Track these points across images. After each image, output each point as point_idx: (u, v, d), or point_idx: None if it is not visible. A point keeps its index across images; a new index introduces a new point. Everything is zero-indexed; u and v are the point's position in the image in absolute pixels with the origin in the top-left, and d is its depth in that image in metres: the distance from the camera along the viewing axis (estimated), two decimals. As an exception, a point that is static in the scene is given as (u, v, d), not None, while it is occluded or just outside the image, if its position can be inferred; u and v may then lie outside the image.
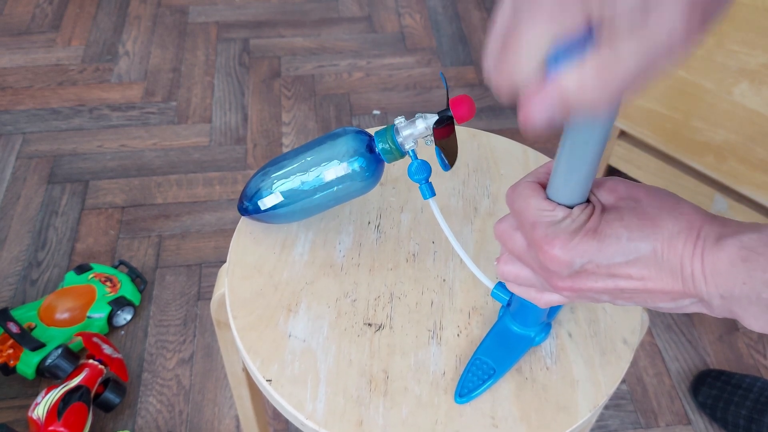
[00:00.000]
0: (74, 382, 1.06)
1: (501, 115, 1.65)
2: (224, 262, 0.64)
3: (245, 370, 0.75)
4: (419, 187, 0.56)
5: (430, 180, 0.56)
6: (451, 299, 0.61)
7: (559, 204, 0.40)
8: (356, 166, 0.56)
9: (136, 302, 1.24)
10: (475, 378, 0.54)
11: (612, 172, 1.42)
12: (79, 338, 1.15)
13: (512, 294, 0.53)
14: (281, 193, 0.59)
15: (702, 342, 1.24)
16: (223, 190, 1.47)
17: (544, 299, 0.44)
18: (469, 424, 0.53)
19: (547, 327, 0.56)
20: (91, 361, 1.10)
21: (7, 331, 1.11)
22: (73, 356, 1.09)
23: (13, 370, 1.13)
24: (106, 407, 1.10)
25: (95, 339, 1.15)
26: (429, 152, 0.70)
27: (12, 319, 1.13)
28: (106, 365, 1.10)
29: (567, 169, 0.39)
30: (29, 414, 1.04)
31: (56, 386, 1.05)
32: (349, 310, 0.59)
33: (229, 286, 0.61)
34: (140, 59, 1.77)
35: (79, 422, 1.03)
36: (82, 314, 1.20)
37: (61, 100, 1.65)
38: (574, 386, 0.55)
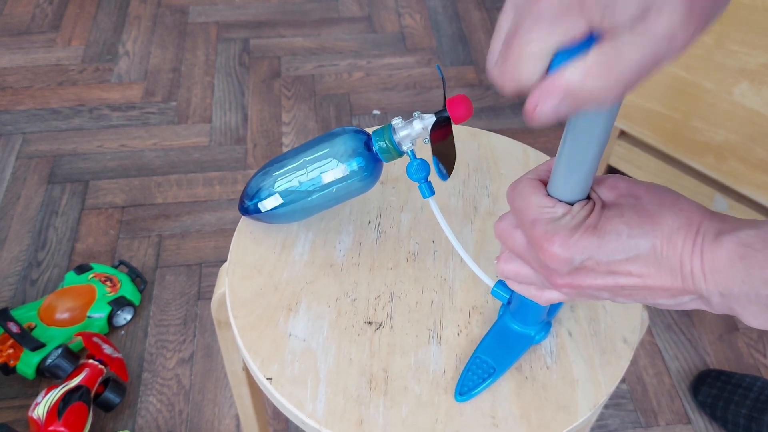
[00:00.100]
0: (74, 382, 1.06)
1: (501, 115, 1.66)
2: (224, 261, 0.64)
3: (245, 370, 0.75)
4: (419, 186, 0.56)
5: (429, 179, 0.56)
6: (451, 298, 0.61)
7: (559, 201, 0.40)
8: (355, 165, 0.56)
9: (136, 302, 1.24)
10: (475, 377, 0.54)
11: (612, 171, 1.42)
12: (79, 338, 1.15)
13: (512, 292, 0.54)
14: (281, 194, 0.59)
15: (702, 341, 1.24)
16: (223, 190, 1.47)
17: (544, 297, 0.44)
18: (469, 423, 0.53)
19: (547, 326, 0.56)
20: (91, 361, 1.10)
21: (7, 331, 1.11)
22: (73, 356, 1.09)
23: (13, 370, 1.13)
24: (106, 407, 1.10)
25: (95, 339, 1.15)
26: (428, 151, 0.70)
27: (12, 319, 1.13)
28: (106, 365, 1.10)
29: (568, 165, 0.39)
30: (29, 414, 1.04)
31: (56, 386, 1.05)
32: (349, 309, 0.59)
33: (230, 286, 0.61)
34: (140, 59, 1.78)
35: (79, 422, 1.03)
36: (82, 314, 1.20)
37: (61, 100, 1.66)
38: (574, 385, 0.55)
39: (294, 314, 0.59)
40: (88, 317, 1.20)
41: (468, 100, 0.54)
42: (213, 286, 1.30)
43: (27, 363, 1.11)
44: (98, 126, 1.60)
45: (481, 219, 0.67)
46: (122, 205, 1.43)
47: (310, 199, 0.58)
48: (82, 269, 1.26)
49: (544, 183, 0.42)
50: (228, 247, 0.64)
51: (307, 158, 0.58)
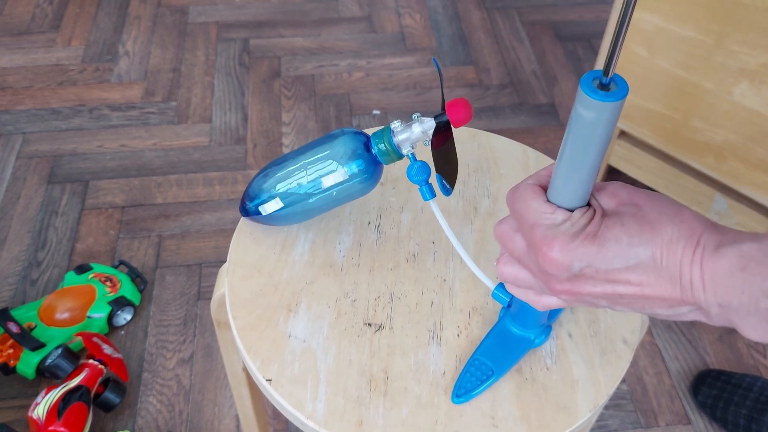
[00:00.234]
0: (74, 382, 1.06)
1: (501, 115, 1.66)
2: (224, 262, 0.64)
3: (245, 370, 0.75)
4: (419, 189, 0.56)
5: (429, 181, 0.56)
6: (451, 299, 0.61)
7: (559, 207, 0.40)
8: (355, 167, 0.56)
9: (136, 302, 1.24)
10: (473, 378, 0.54)
11: (612, 171, 1.42)
12: (79, 338, 1.15)
13: (513, 295, 0.53)
14: (281, 196, 0.59)
15: (702, 342, 1.24)
16: (223, 190, 1.47)
17: (542, 302, 0.44)
18: (469, 424, 0.53)
19: (547, 329, 0.56)
20: (91, 361, 1.10)
21: (7, 331, 1.11)
22: (73, 356, 1.09)
23: (13, 370, 1.13)
24: (106, 407, 1.10)
25: (95, 339, 1.15)
26: (428, 153, 0.70)
27: (12, 319, 1.13)
28: (106, 365, 1.10)
29: (568, 171, 0.39)
30: (29, 414, 1.04)
31: (56, 386, 1.05)
32: (349, 310, 0.59)
33: (229, 286, 0.61)
34: (140, 59, 1.77)
35: (79, 422, 1.03)
36: (82, 314, 1.20)
37: (61, 100, 1.65)
38: (574, 386, 0.55)
39: (294, 315, 0.59)
40: (88, 317, 1.20)
41: (467, 104, 0.54)
42: (213, 286, 1.30)
43: (27, 363, 1.11)
44: (98, 126, 1.60)
45: (482, 219, 0.67)
46: (122, 205, 1.43)
47: (310, 201, 0.58)
48: (82, 269, 1.26)
49: (544, 188, 0.41)
50: (228, 248, 0.64)
51: (307, 161, 0.57)
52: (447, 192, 0.55)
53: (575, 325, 0.59)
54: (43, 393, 1.05)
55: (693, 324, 1.27)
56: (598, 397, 0.55)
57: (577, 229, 0.38)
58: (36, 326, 1.16)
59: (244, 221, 0.65)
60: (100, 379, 1.08)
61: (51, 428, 1.00)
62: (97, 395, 1.09)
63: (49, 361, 1.08)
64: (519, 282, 0.44)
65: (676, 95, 1.17)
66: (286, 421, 1.13)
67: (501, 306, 0.59)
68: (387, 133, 0.55)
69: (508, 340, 0.56)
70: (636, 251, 0.37)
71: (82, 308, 1.20)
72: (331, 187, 0.57)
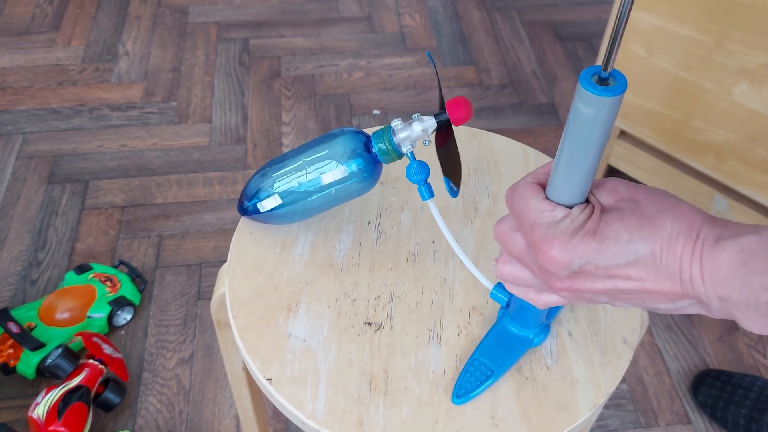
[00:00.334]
0: (74, 382, 1.06)
1: (501, 115, 1.66)
2: (224, 262, 0.64)
3: (245, 370, 0.75)
4: (418, 189, 0.56)
5: (428, 181, 0.56)
6: (451, 299, 0.61)
7: (558, 204, 0.40)
8: (354, 166, 0.56)
9: (136, 302, 1.24)
10: (472, 379, 0.54)
11: (612, 171, 1.42)
12: (79, 338, 1.15)
13: (511, 295, 0.53)
14: (280, 194, 0.59)
15: (702, 342, 1.24)
16: (223, 190, 1.47)
17: (542, 300, 0.44)
18: (469, 423, 0.53)
19: (546, 328, 0.56)
20: (91, 361, 1.10)
21: (7, 331, 1.11)
22: (73, 356, 1.09)
23: (13, 370, 1.13)
24: (106, 407, 1.10)
25: (95, 339, 1.15)
26: (427, 153, 0.70)
27: (12, 319, 1.13)
28: (106, 365, 1.10)
29: (566, 169, 0.39)
30: (29, 414, 1.04)
31: (56, 386, 1.05)
32: (349, 309, 0.59)
33: (230, 286, 0.61)
34: (140, 59, 1.78)
35: (79, 422, 1.03)
36: (82, 314, 1.20)
37: (61, 100, 1.66)
38: (574, 386, 0.55)
39: (294, 314, 0.59)
40: (88, 317, 1.20)
41: (467, 102, 0.54)
42: (213, 286, 1.30)
43: (27, 363, 1.11)
44: (98, 126, 1.60)
45: (481, 219, 0.67)
46: (122, 205, 1.43)
47: (309, 200, 0.58)
48: (82, 269, 1.26)
49: (543, 186, 0.41)
50: (228, 247, 0.64)
51: (306, 159, 0.57)
52: (454, 194, 0.55)
53: (575, 325, 0.59)
54: (43, 393, 1.05)
55: (693, 324, 1.27)
56: (598, 396, 0.55)
57: (577, 226, 0.38)
58: (36, 326, 1.16)
59: (244, 221, 0.66)
60: (100, 379, 1.08)
61: (51, 428, 1.00)
62: (97, 395, 1.09)
63: (49, 361, 1.08)
64: (519, 281, 0.44)
65: (676, 95, 1.17)
66: (286, 421, 1.13)
67: (500, 305, 0.59)
68: (387, 132, 0.55)
69: (507, 340, 0.56)
70: (636, 247, 0.37)
71: (82, 308, 1.20)
72: (331, 185, 0.57)
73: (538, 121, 1.64)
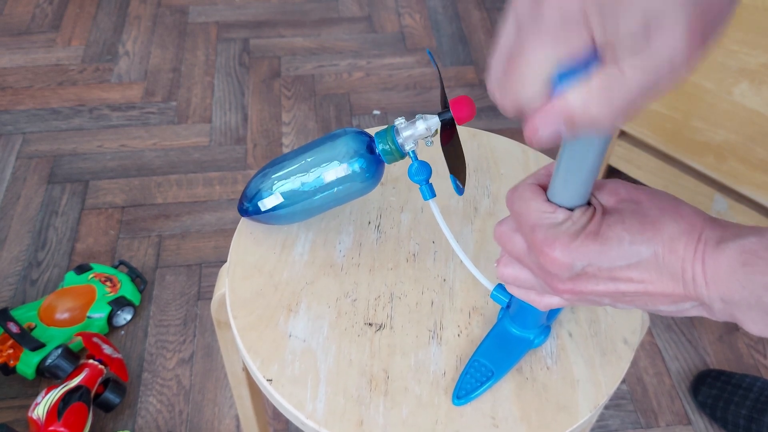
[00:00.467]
0: (74, 382, 1.06)
1: (501, 115, 1.66)
2: (224, 262, 0.64)
3: (245, 370, 0.75)
4: (419, 189, 0.56)
5: (430, 181, 0.56)
6: (451, 299, 0.61)
7: (559, 206, 0.40)
8: (356, 167, 0.56)
9: (136, 302, 1.24)
10: (473, 380, 0.54)
11: (612, 171, 1.42)
12: (79, 338, 1.15)
13: (512, 296, 0.53)
14: (281, 194, 0.59)
15: (702, 342, 1.24)
16: (223, 190, 1.47)
17: (543, 302, 0.44)
18: (469, 424, 0.53)
19: (546, 329, 0.56)
20: (91, 361, 1.10)
21: (7, 331, 1.11)
22: (73, 356, 1.09)
23: (13, 370, 1.13)
24: (106, 407, 1.10)
25: (95, 339, 1.15)
26: (429, 153, 0.70)
27: (12, 319, 1.13)
28: (106, 365, 1.10)
29: (568, 171, 0.39)
30: (29, 414, 1.04)
31: (56, 386, 1.05)
32: (350, 310, 0.59)
33: (230, 286, 0.61)
34: (140, 59, 1.77)
35: (79, 422, 1.03)
36: (82, 314, 1.20)
37: (61, 100, 1.65)
38: (574, 386, 0.55)
39: (294, 314, 0.59)
40: (88, 317, 1.20)
41: (471, 101, 0.54)
42: (213, 286, 1.30)
43: (27, 363, 1.11)
44: (98, 126, 1.60)
45: (482, 219, 0.67)
46: (122, 205, 1.43)
47: (310, 200, 0.58)
48: (82, 269, 1.26)
49: (544, 188, 0.41)
50: (228, 247, 0.64)
51: (308, 159, 0.57)
52: (460, 192, 0.55)
53: (576, 325, 0.59)
54: (43, 393, 1.05)
55: (693, 324, 1.27)
56: (598, 397, 0.55)
57: (578, 228, 0.38)
58: (36, 326, 1.16)
59: (244, 221, 0.65)
60: (100, 379, 1.08)
61: (51, 428, 1.00)
62: (97, 395, 1.09)
63: (49, 361, 1.08)
64: (520, 283, 0.44)
65: (676, 95, 1.17)
66: (286, 421, 1.13)
67: (500, 306, 0.59)
68: (390, 131, 0.56)
69: (508, 341, 0.56)
70: (638, 249, 0.37)
71: (82, 308, 1.20)
72: (332, 185, 0.57)
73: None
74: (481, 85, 1.73)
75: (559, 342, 0.58)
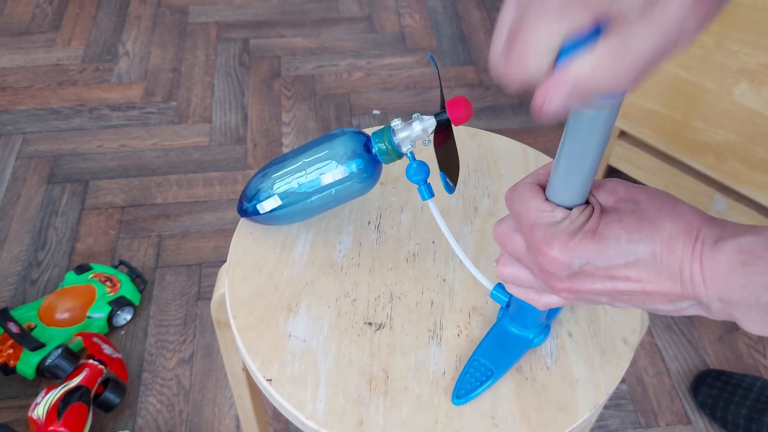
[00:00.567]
0: (74, 382, 1.06)
1: (501, 115, 1.66)
2: (224, 262, 0.64)
3: (245, 370, 0.75)
4: (418, 189, 0.56)
5: (428, 181, 0.56)
6: (451, 299, 0.61)
7: (558, 205, 0.40)
8: (354, 167, 0.56)
9: (136, 302, 1.24)
10: (472, 379, 0.54)
11: (612, 171, 1.42)
12: (79, 338, 1.15)
13: (511, 295, 0.53)
14: (280, 195, 0.59)
15: (702, 342, 1.24)
16: (223, 190, 1.47)
17: (542, 301, 0.44)
18: (469, 423, 0.53)
19: (545, 329, 0.56)
20: (91, 361, 1.10)
21: (7, 331, 1.11)
22: (73, 356, 1.09)
23: (13, 370, 1.13)
24: (106, 407, 1.10)
25: (95, 339, 1.15)
26: (427, 153, 0.70)
27: (12, 319, 1.13)
28: (106, 365, 1.10)
29: (566, 170, 0.39)
30: (29, 414, 1.04)
31: (56, 386, 1.05)
32: (349, 310, 0.59)
33: (229, 286, 0.61)
34: (140, 59, 1.77)
35: (79, 422, 1.03)
36: (82, 314, 1.20)
37: (61, 100, 1.65)
38: (574, 386, 0.55)
39: (294, 314, 0.59)
40: (88, 317, 1.20)
41: (468, 102, 0.54)
42: (213, 286, 1.30)
43: (27, 363, 1.11)
44: (98, 126, 1.60)
45: (481, 219, 0.67)
46: (122, 205, 1.43)
47: (309, 200, 0.58)
48: (82, 269, 1.26)
49: (543, 187, 0.42)
50: (228, 247, 0.64)
51: (306, 160, 0.57)
52: (450, 190, 0.55)
53: (575, 325, 0.59)
54: (43, 393, 1.05)
55: (693, 324, 1.27)
56: (598, 396, 0.55)
57: (576, 227, 0.38)
58: (36, 326, 1.16)
59: (244, 221, 0.66)
60: (100, 379, 1.08)
61: (51, 428, 1.00)
62: (97, 395, 1.09)
63: (49, 361, 1.08)
64: (519, 282, 0.44)
65: (676, 95, 1.17)
66: (286, 421, 1.13)
67: (500, 306, 0.59)
68: (387, 132, 0.55)
69: (507, 341, 0.56)
70: (635, 248, 0.37)
71: (82, 308, 1.20)
72: (330, 186, 0.57)
73: (538, 121, 1.64)
74: (481, 85, 1.73)
75: (558, 341, 0.58)
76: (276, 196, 0.59)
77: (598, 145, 0.38)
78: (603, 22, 0.29)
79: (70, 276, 1.25)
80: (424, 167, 0.55)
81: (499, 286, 0.54)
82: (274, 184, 0.59)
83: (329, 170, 0.57)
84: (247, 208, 0.61)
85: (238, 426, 1.12)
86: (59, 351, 1.09)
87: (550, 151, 1.51)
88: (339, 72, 1.75)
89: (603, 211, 0.39)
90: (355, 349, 0.57)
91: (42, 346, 1.12)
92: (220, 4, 1.96)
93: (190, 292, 1.29)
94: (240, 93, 1.69)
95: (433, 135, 0.56)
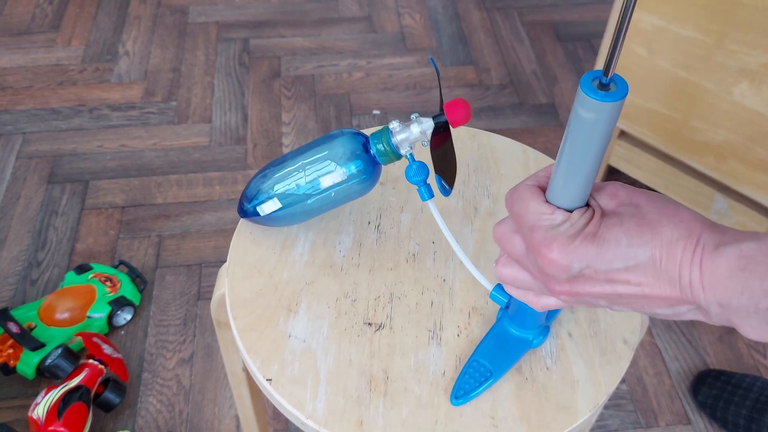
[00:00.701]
0: (74, 382, 1.06)
1: (501, 115, 1.66)
2: (224, 262, 0.64)
3: (245, 370, 0.75)
4: (417, 189, 0.56)
5: (428, 181, 0.56)
6: (451, 299, 0.61)
7: (558, 207, 0.40)
8: (353, 168, 0.56)
9: (136, 302, 1.24)
10: (471, 380, 0.54)
11: (612, 171, 1.42)
12: (79, 338, 1.15)
13: (511, 296, 0.53)
14: (280, 197, 0.59)
15: (702, 342, 1.24)
16: (223, 190, 1.47)
17: (541, 303, 0.44)
18: (469, 424, 0.53)
19: (545, 330, 0.56)
20: (91, 361, 1.10)
21: (7, 331, 1.11)
22: (73, 356, 1.09)
23: (13, 370, 1.13)
24: (106, 407, 1.10)
25: (95, 339, 1.15)
26: (427, 154, 0.70)
27: (12, 319, 1.13)
28: (106, 365, 1.10)
29: (567, 172, 0.39)
30: (29, 414, 1.04)
31: (56, 386, 1.05)
32: (349, 310, 0.59)
33: (229, 286, 0.61)
34: (140, 59, 1.78)
35: (79, 422, 1.03)
36: (82, 314, 1.20)
37: (61, 100, 1.66)
38: (574, 386, 0.55)
39: (294, 315, 0.59)
40: (88, 317, 1.20)
41: (466, 104, 0.54)
42: (213, 286, 1.30)
43: (27, 363, 1.11)
44: (98, 126, 1.60)
45: (482, 219, 0.67)
46: (122, 205, 1.43)
47: (308, 202, 0.58)
48: (82, 269, 1.26)
49: (543, 189, 0.41)
50: (228, 248, 0.64)
51: (305, 161, 0.57)
52: (446, 192, 0.55)
53: (575, 325, 0.59)
54: (43, 393, 1.05)
55: (693, 324, 1.27)
56: (598, 396, 0.55)
57: (577, 230, 0.38)
58: (36, 326, 1.16)
59: (244, 221, 0.66)
60: (100, 379, 1.08)
61: (51, 428, 1.00)
62: (97, 395, 1.09)
63: (49, 361, 1.08)
64: (518, 283, 0.44)
65: (676, 95, 1.17)
66: (286, 421, 1.13)
67: (500, 306, 0.59)
68: (385, 133, 0.55)
69: (507, 341, 0.56)
70: (635, 252, 0.37)
71: (82, 308, 1.20)
72: (330, 187, 0.57)
73: (538, 121, 1.64)
74: (481, 85, 1.73)
75: (558, 342, 0.58)
76: (276, 198, 0.59)
77: (599, 148, 0.38)
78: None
79: (70, 276, 1.25)
80: (423, 168, 0.55)
81: (499, 287, 0.54)
82: (273, 185, 0.59)
83: (328, 172, 0.57)
84: (247, 210, 0.61)
85: (238, 426, 1.12)
86: (59, 351, 1.09)
87: (550, 151, 1.51)
88: (339, 72, 1.75)
89: (603, 214, 0.39)
90: (355, 349, 0.57)
91: (42, 346, 1.12)
92: (220, 4, 1.96)
93: (190, 292, 1.29)
94: (240, 93, 1.69)
95: (432, 136, 0.56)
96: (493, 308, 0.60)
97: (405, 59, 1.80)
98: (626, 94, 0.36)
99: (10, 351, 1.12)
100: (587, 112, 0.36)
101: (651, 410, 1.15)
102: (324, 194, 0.58)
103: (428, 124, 0.54)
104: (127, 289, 1.24)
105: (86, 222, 1.40)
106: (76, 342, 1.15)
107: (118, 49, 1.80)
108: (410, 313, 0.59)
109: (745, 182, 1.15)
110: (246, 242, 0.64)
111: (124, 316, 1.23)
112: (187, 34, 1.86)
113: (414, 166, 0.55)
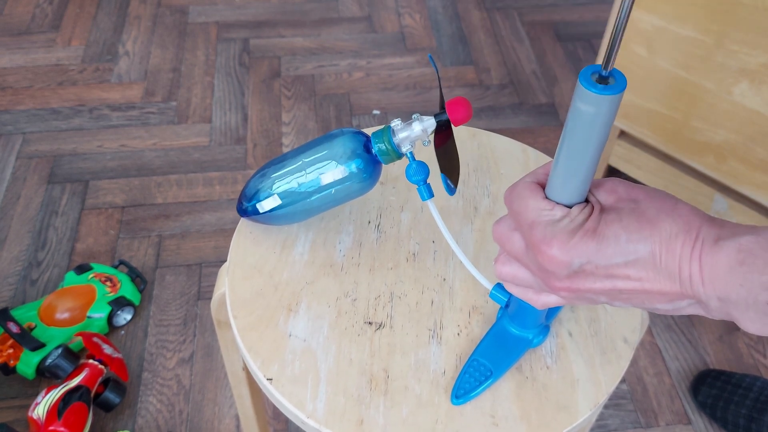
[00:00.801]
0: (74, 382, 1.06)
1: (501, 115, 1.66)
2: (224, 261, 0.64)
3: (245, 370, 0.75)
4: (417, 189, 0.56)
5: (428, 181, 0.56)
6: (451, 298, 0.61)
7: (557, 204, 0.40)
8: (353, 167, 0.56)
9: (136, 302, 1.24)
10: (471, 379, 0.54)
11: (612, 171, 1.42)
12: (79, 338, 1.15)
13: (511, 295, 0.53)
14: (280, 195, 0.59)
15: (702, 341, 1.24)
16: (223, 190, 1.47)
17: (541, 300, 0.44)
18: (469, 423, 0.53)
19: (545, 329, 0.56)
20: (91, 361, 1.10)
21: (7, 331, 1.11)
22: (73, 356, 1.09)
23: (13, 370, 1.13)
24: (106, 407, 1.10)
25: (95, 339, 1.15)
26: (427, 153, 0.70)
27: (12, 319, 1.13)
28: (106, 365, 1.10)
29: (566, 168, 0.39)
30: (29, 414, 1.04)
31: (56, 386, 1.05)
32: (350, 309, 0.59)
33: (230, 286, 0.61)
34: (140, 59, 1.78)
35: (79, 422, 1.03)
36: (82, 314, 1.20)
37: (61, 100, 1.66)
38: (574, 385, 0.55)
39: (294, 314, 0.59)
40: (88, 317, 1.20)
41: (467, 103, 0.54)
42: (213, 286, 1.30)
43: (27, 363, 1.11)
44: (98, 126, 1.60)
45: (481, 219, 0.67)
46: (122, 205, 1.43)
47: (308, 200, 0.58)
48: (82, 269, 1.26)
49: (542, 186, 0.42)
50: (228, 247, 0.64)
51: (305, 160, 0.57)
52: (451, 191, 0.55)
53: (575, 324, 0.59)
54: (43, 393, 1.05)
55: (693, 324, 1.27)
56: (598, 396, 0.55)
57: (576, 226, 0.38)
58: (36, 326, 1.16)
59: (244, 221, 0.66)
60: (100, 379, 1.08)
61: (51, 428, 1.00)
62: (97, 395, 1.09)
63: (49, 361, 1.08)
64: (518, 281, 0.44)
65: (676, 95, 1.17)
66: (287, 421, 1.13)
67: (500, 306, 0.59)
68: (387, 132, 0.55)
69: (507, 341, 0.56)
70: (635, 247, 0.37)
71: (82, 308, 1.20)
72: (330, 186, 0.57)
73: (538, 121, 1.64)
74: (481, 85, 1.73)
75: (558, 341, 0.58)
76: (275, 195, 0.59)
77: (598, 143, 0.38)
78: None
79: (70, 276, 1.25)
80: (423, 167, 0.55)
81: (499, 286, 0.54)
82: (273, 183, 0.59)
83: (329, 170, 0.57)
84: (246, 208, 0.61)
85: (238, 426, 1.12)
86: (59, 351, 1.09)
87: (550, 151, 1.51)
88: (339, 72, 1.75)
89: (603, 210, 0.39)
90: (356, 349, 0.57)
91: (42, 346, 1.12)
92: (220, 4, 1.96)
93: (190, 292, 1.29)
94: (240, 93, 1.69)
95: (433, 135, 0.56)
96: (493, 307, 0.60)
97: (405, 59, 1.80)
98: (625, 88, 0.36)
99: (10, 351, 1.12)
100: (586, 106, 0.36)
101: (651, 410, 1.15)
102: (324, 192, 0.58)
103: (430, 123, 0.54)
104: (127, 289, 1.24)
105: (86, 222, 1.40)
106: (76, 342, 1.15)
107: (118, 49, 1.80)
108: (410, 312, 0.59)
109: (745, 182, 1.15)
110: (246, 242, 0.64)
111: (124, 316, 1.23)
112: (187, 34, 1.86)
113: (414, 165, 0.55)
